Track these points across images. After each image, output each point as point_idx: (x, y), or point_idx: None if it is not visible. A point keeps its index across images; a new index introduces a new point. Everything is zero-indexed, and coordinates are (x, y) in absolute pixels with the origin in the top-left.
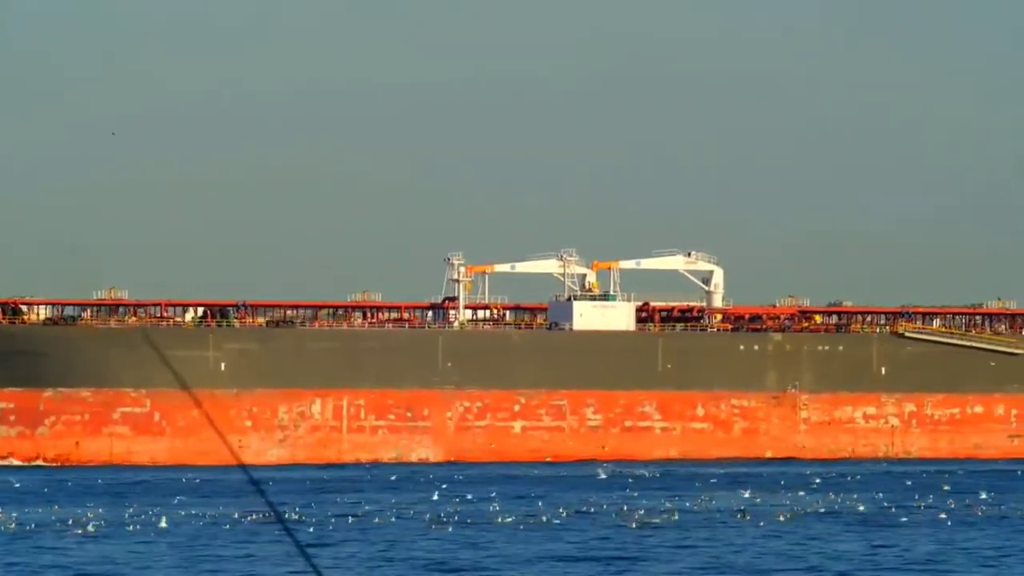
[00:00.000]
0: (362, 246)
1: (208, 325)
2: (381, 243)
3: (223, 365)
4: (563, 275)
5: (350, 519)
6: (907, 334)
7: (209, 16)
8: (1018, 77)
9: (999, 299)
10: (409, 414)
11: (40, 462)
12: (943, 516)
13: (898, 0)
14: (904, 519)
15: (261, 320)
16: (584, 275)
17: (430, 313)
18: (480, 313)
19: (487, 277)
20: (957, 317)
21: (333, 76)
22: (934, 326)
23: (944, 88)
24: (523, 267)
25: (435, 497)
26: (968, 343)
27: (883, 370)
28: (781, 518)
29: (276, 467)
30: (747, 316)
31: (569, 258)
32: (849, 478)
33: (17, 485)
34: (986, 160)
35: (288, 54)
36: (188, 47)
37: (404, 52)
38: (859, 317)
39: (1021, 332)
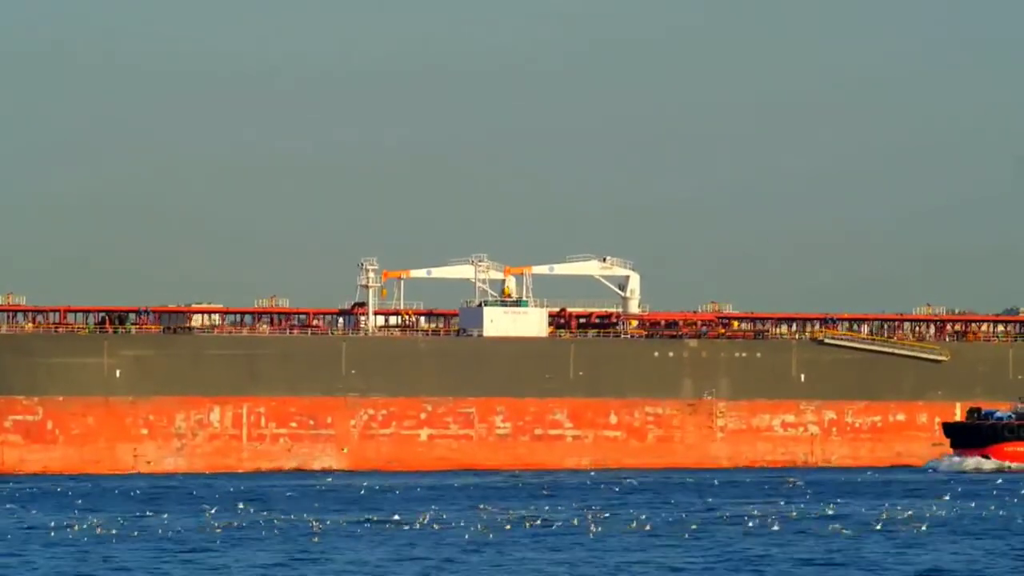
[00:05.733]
0: (275, 251)
1: (105, 331)
2: (295, 248)
3: (118, 372)
4: (480, 281)
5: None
6: (827, 341)
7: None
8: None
9: (928, 305)
10: (311, 422)
11: None
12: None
13: None
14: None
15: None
16: (502, 281)
17: (340, 320)
18: (392, 319)
19: (402, 282)
20: (884, 324)
21: (244, 70)
22: (862, 332)
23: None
24: (440, 272)
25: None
26: (890, 350)
27: (802, 377)
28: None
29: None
30: (663, 322)
31: (480, 263)
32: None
33: None
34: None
35: (193, 52)
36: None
37: (317, 49)
38: (782, 324)
39: (946, 339)
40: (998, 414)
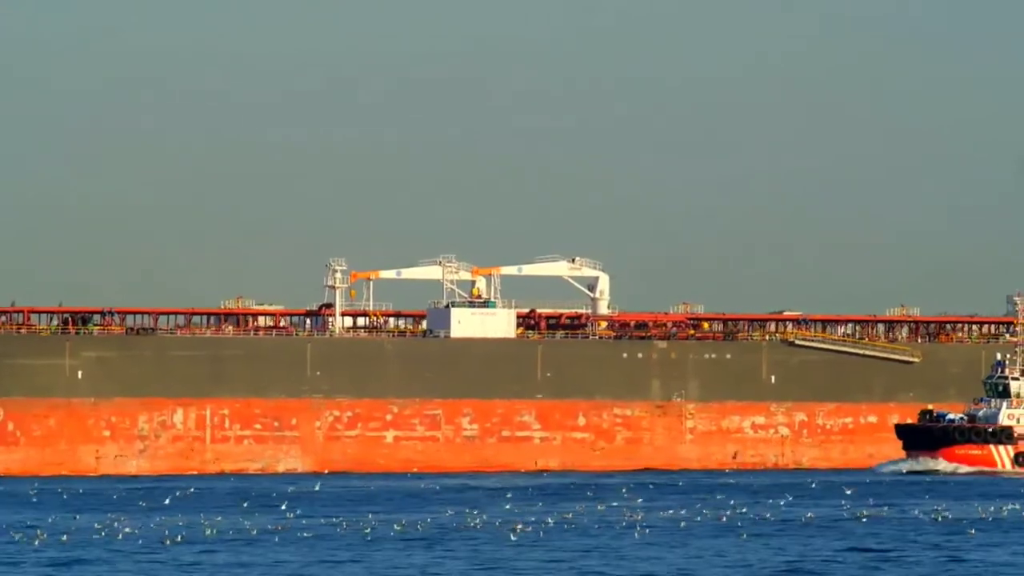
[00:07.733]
0: (243, 252)
1: (68, 332)
2: (263, 249)
3: (80, 373)
4: (449, 281)
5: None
6: (798, 342)
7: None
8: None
9: (902, 306)
10: (276, 424)
11: None
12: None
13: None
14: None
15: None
16: (471, 282)
17: (308, 320)
18: (360, 320)
19: (371, 283)
20: (857, 325)
21: (215, 70)
22: (836, 334)
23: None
24: (409, 273)
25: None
26: (861, 351)
27: (773, 379)
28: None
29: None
30: (632, 323)
31: (449, 264)
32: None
33: None
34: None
35: (162, 50)
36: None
37: (287, 50)
38: (753, 324)
39: (919, 340)
40: (949, 416)
